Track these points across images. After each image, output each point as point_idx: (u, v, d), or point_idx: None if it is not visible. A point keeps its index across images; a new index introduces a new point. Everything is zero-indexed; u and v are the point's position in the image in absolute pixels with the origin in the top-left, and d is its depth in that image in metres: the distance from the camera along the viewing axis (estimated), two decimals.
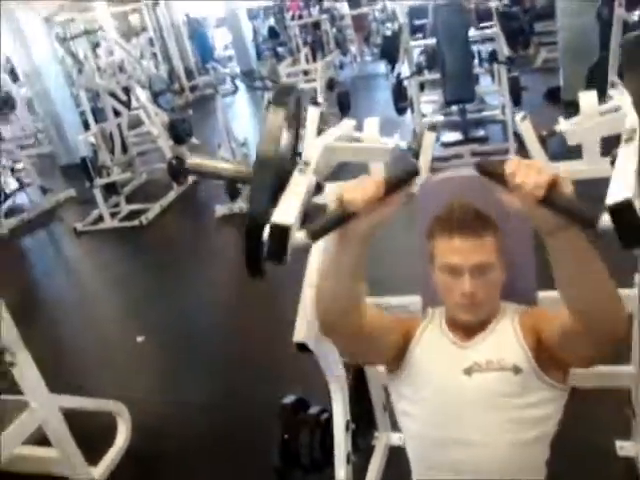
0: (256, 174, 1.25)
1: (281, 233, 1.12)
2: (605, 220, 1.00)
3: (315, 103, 1.86)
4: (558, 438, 1.38)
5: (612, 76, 5.31)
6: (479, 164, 1.03)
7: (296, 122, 1.43)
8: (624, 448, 2.14)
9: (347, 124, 1.79)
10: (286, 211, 1.18)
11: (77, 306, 4.45)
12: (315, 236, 1.05)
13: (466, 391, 1.32)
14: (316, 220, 1.05)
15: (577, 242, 1.04)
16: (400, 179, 1.06)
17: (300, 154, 1.50)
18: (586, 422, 1.80)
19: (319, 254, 1.58)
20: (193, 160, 1.40)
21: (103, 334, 3.90)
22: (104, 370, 3.41)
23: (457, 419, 1.32)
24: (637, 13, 4.64)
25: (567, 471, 1.43)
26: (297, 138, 1.43)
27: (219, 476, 2.48)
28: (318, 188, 1.36)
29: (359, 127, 1.88)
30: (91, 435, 2.61)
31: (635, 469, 2.06)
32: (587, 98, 1.70)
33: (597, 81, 5.39)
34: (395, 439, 2.36)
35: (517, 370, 1.31)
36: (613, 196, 1.03)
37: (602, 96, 1.80)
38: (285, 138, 1.34)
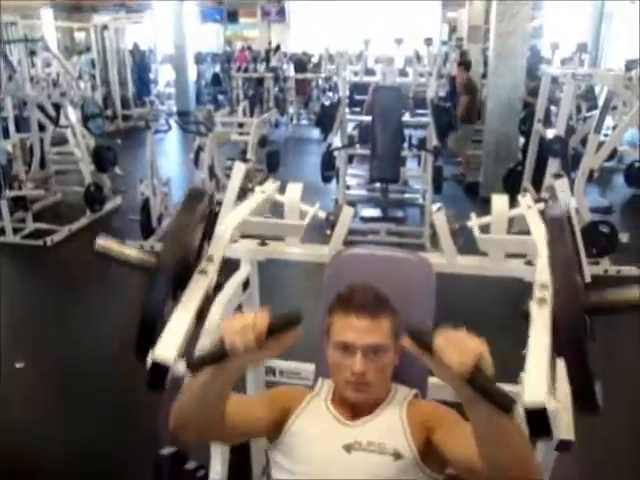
0: (155, 275, 1.30)
1: (160, 370, 1.18)
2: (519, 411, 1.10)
3: (244, 160, 1.89)
4: None
5: (526, 182, 5.71)
6: (409, 329, 1.08)
7: (207, 220, 1.49)
8: None
9: (271, 186, 1.82)
10: (167, 347, 1.21)
11: None
12: (194, 370, 1.09)
13: (344, 467, 1.32)
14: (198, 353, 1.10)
15: (492, 415, 1.04)
16: (283, 325, 1.08)
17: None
18: None
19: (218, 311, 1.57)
20: (103, 241, 1.42)
21: None
22: None
23: None
24: (552, 131, 5.03)
25: None
26: (206, 235, 1.48)
27: None
28: (218, 287, 1.42)
29: (283, 189, 1.92)
30: None
31: None
32: (499, 201, 1.83)
33: (512, 183, 5.79)
34: None
35: (397, 456, 1.32)
36: (529, 397, 1.12)
37: (515, 198, 1.94)
38: (192, 239, 1.39)
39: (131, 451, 2.61)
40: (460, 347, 1.00)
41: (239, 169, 1.80)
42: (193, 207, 1.37)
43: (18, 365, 3.42)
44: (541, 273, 1.44)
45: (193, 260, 1.41)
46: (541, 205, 1.92)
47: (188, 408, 1.22)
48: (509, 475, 1.12)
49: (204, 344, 1.39)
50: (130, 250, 1.38)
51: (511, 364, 1.44)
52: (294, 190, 1.82)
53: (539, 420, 1.09)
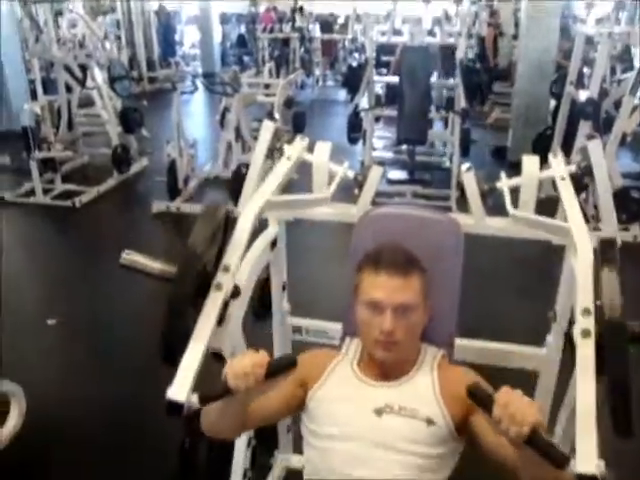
0: (175, 288, 1.40)
1: (175, 406, 1.33)
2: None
3: (271, 118, 1.88)
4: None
5: (556, 146, 5.59)
6: (470, 388, 1.14)
7: (223, 234, 1.55)
8: None
9: (299, 145, 1.81)
10: (181, 386, 1.34)
11: None
12: (205, 403, 1.29)
13: (374, 430, 1.33)
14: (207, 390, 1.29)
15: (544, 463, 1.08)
16: (280, 369, 1.25)
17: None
18: (472, 470, 1.85)
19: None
20: (128, 255, 1.53)
21: (13, 311, 3.73)
22: (7, 349, 3.25)
23: (361, 457, 1.32)
24: (584, 93, 4.90)
25: None
26: (223, 249, 1.53)
27: (112, 475, 2.40)
28: (235, 294, 1.49)
29: (311, 147, 1.91)
30: None
31: None
32: (530, 162, 1.79)
33: (542, 148, 5.68)
34: (294, 461, 2.35)
35: (430, 422, 1.33)
36: (582, 465, 1.14)
37: (544, 162, 1.90)
38: (209, 253, 1.47)
39: (160, 408, 2.66)
40: (518, 414, 1.05)
41: (267, 128, 1.79)
42: (209, 220, 1.44)
43: (50, 322, 3.51)
44: (583, 294, 1.38)
45: (212, 269, 1.48)
46: (573, 167, 1.89)
47: (210, 425, 1.39)
48: None
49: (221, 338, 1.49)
50: (153, 263, 1.48)
51: (532, 324, 1.43)
52: (323, 149, 1.81)
53: None
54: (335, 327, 1.85)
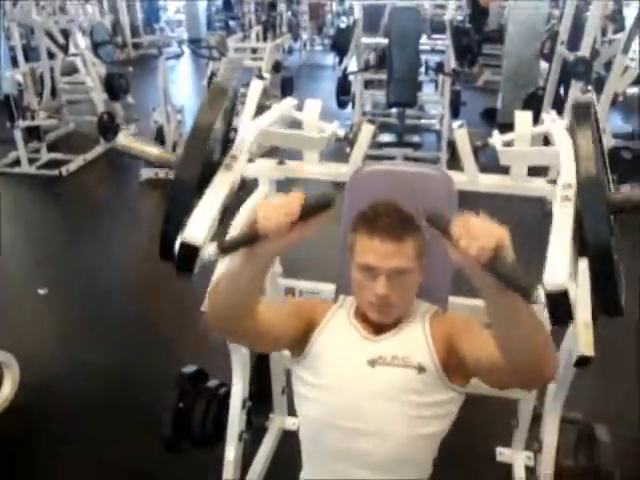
0: (181, 166, 1.27)
1: (190, 251, 1.16)
2: (540, 295, 1.07)
3: (260, 77, 1.84)
4: (443, 439, 1.41)
5: (546, 107, 5.55)
6: (429, 215, 1.02)
7: (230, 115, 1.45)
8: (503, 454, 2.25)
9: (288, 102, 1.77)
10: (197, 229, 1.19)
11: None
12: (225, 252, 1.06)
13: (368, 381, 1.33)
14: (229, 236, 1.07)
15: (512, 303, 1.00)
16: (316, 207, 1.05)
17: (233, 140, 1.50)
18: (470, 426, 1.87)
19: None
20: (124, 138, 1.39)
21: (4, 282, 3.71)
22: None
23: (355, 408, 1.32)
24: (574, 54, 4.85)
25: (446, 471, 1.47)
26: (229, 130, 1.43)
27: (105, 440, 2.41)
28: (242, 185, 1.40)
29: (300, 108, 1.88)
30: None
31: (510, 475, 2.18)
32: (522, 117, 1.77)
33: (533, 109, 5.63)
34: (289, 423, 2.38)
35: (421, 369, 1.33)
36: (550, 281, 1.08)
37: (535, 122, 1.87)
38: (216, 131, 1.35)
39: (154, 371, 2.68)
40: (480, 232, 0.94)
41: (256, 86, 1.75)
42: (217, 102, 1.32)
43: (41, 291, 3.49)
44: (565, 174, 1.38)
45: (218, 158, 1.38)
46: (565, 122, 1.86)
47: (219, 296, 1.20)
48: (529, 367, 1.11)
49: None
50: (151, 148, 1.36)
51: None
52: (313, 107, 1.77)
53: (560, 304, 1.06)
54: (328, 288, 1.84)
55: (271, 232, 1.03)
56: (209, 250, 1.16)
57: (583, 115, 1.33)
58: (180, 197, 1.25)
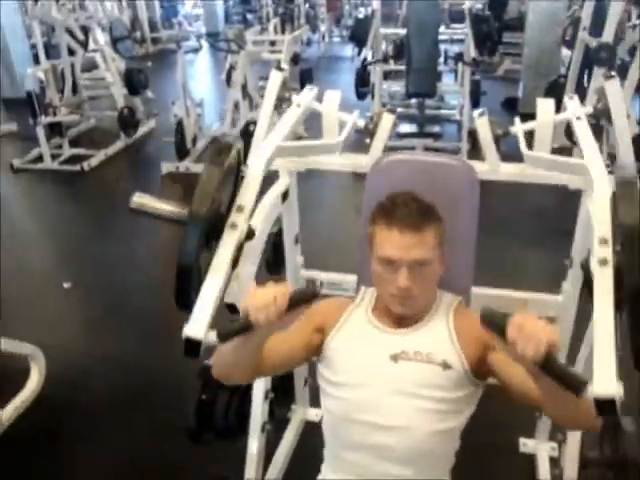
0: (188, 227, 1.36)
1: (193, 344, 1.31)
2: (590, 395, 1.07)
3: (279, 68, 1.84)
4: (465, 430, 1.41)
5: (569, 95, 5.46)
6: (483, 312, 1.07)
7: (236, 174, 1.51)
8: (526, 445, 2.24)
9: (308, 92, 1.76)
10: (198, 323, 1.31)
11: (4, 244, 4.27)
12: (224, 340, 1.21)
13: (390, 376, 1.32)
14: (226, 326, 1.20)
15: (561, 390, 1.04)
16: (302, 300, 1.17)
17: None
18: (493, 417, 1.86)
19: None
20: (138, 198, 1.47)
21: (29, 276, 3.76)
22: (25, 312, 3.29)
23: (377, 403, 1.32)
24: (597, 40, 4.76)
25: (470, 463, 1.46)
26: (236, 188, 1.50)
27: (131, 432, 2.44)
28: (250, 235, 1.46)
29: (319, 99, 1.87)
30: (2, 377, 2.54)
31: (534, 466, 2.16)
32: (545, 105, 1.75)
33: (554, 98, 5.55)
34: (312, 415, 2.38)
35: (446, 366, 1.32)
36: (600, 387, 1.08)
37: (558, 110, 1.85)
38: (222, 190, 1.42)
39: (177, 364, 2.69)
40: (533, 336, 1.00)
41: (276, 77, 1.75)
42: (221, 160, 1.38)
43: (66, 285, 3.53)
44: (600, 224, 1.34)
45: (225, 211, 1.43)
46: (589, 109, 1.84)
47: (225, 367, 1.33)
48: (570, 424, 1.23)
49: (235, 290, 1.46)
50: (164, 205, 1.42)
51: (549, 271, 1.41)
52: (332, 98, 1.76)
53: (608, 407, 1.09)
54: (349, 279, 1.84)
55: (262, 324, 1.14)
56: (210, 337, 1.29)
57: (627, 191, 1.30)
58: (190, 253, 1.37)
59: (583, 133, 1.66)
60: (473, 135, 4.90)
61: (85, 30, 6.04)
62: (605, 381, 1.09)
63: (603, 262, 1.27)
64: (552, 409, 1.18)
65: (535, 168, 1.73)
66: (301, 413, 2.39)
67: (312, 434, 2.23)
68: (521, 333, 1.01)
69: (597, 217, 1.36)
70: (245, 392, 1.92)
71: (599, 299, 1.24)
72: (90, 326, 3.26)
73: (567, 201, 1.96)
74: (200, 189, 1.34)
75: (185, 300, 1.39)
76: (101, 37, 6.10)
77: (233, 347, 1.25)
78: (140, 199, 1.27)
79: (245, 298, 1.17)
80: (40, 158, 5.55)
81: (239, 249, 1.42)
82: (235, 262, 1.42)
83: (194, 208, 1.33)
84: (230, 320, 1.24)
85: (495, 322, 1.06)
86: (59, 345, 2.96)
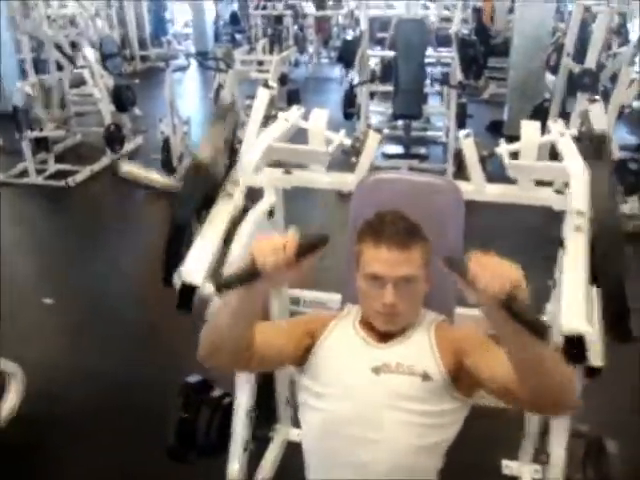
0: (186, 181, 1.29)
1: (188, 291, 1.22)
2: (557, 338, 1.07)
3: (267, 86, 1.85)
4: (447, 450, 1.40)
5: (553, 119, 5.55)
6: (446, 259, 1.05)
7: (232, 140, 1.47)
8: (509, 467, 2.22)
9: (295, 111, 1.77)
10: (195, 268, 1.23)
11: None
12: (221, 290, 1.09)
13: (372, 389, 1.32)
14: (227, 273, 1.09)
15: (527, 342, 1.02)
16: (311, 245, 1.09)
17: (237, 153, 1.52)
18: (475, 438, 1.85)
19: None
20: (128, 166, 1.44)
21: (9, 291, 3.70)
22: (4, 329, 3.22)
23: (358, 415, 1.32)
24: (580, 66, 4.86)
25: None
26: (232, 153, 1.46)
27: (111, 448, 2.40)
28: (245, 210, 1.41)
29: (306, 118, 1.88)
30: None
31: None
32: (529, 127, 1.77)
33: (539, 120, 5.62)
34: (294, 435, 2.35)
35: (426, 377, 1.32)
36: (567, 324, 1.09)
37: (542, 134, 1.87)
38: (219, 159, 1.41)
39: (159, 380, 2.67)
40: (495, 272, 0.97)
41: (263, 95, 1.76)
42: (221, 126, 1.35)
43: (47, 300, 3.49)
44: (577, 199, 1.38)
45: (220, 181, 1.39)
46: (573, 131, 1.86)
47: (215, 334, 1.21)
48: (549, 400, 1.12)
49: (230, 269, 1.39)
50: (153, 175, 1.39)
51: (536, 294, 1.42)
52: (319, 116, 1.77)
53: (576, 347, 1.07)
54: (333, 297, 1.83)
55: (269, 271, 1.05)
56: (207, 287, 1.19)
57: (598, 148, 1.33)
58: (179, 231, 1.31)
59: (567, 146, 1.68)
60: (459, 157, 4.95)
61: (74, 46, 6.04)
62: (573, 317, 1.09)
63: (578, 228, 1.31)
64: (529, 386, 1.11)
65: (520, 189, 1.75)
66: (284, 433, 2.36)
67: (294, 455, 2.20)
68: (483, 269, 0.98)
69: (574, 192, 1.40)
70: (227, 410, 1.90)
71: (571, 252, 1.25)
72: (72, 341, 3.22)
73: (551, 223, 1.98)
74: (206, 139, 1.30)
75: (173, 266, 1.31)
76: (91, 53, 6.10)
77: (228, 308, 1.16)
78: (128, 167, 1.26)
79: (251, 245, 1.08)
80: (25, 173, 5.51)
81: (234, 225, 1.37)
82: (226, 238, 1.36)
83: (189, 177, 1.29)
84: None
85: (457, 262, 1.03)
86: (39, 361, 2.91)
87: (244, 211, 1.40)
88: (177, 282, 1.23)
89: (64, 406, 2.66)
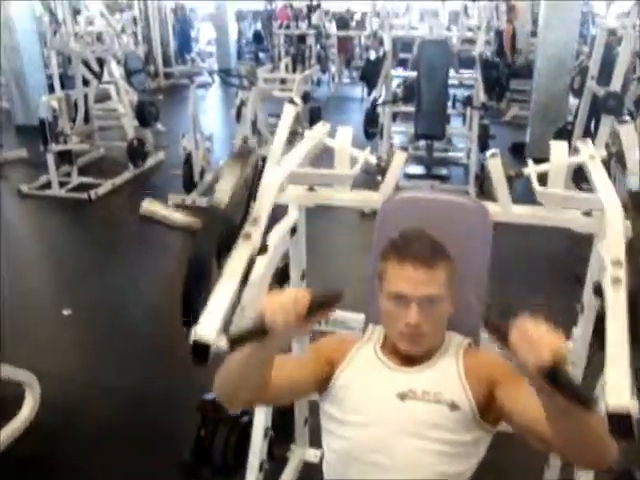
0: (200, 235, 1.34)
1: (203, 348, 1.22)
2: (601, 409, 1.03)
3: (293, 102, 1.84)
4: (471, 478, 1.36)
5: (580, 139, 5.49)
6: (487, 321, 1.02)
7: (252, 181, 1.49)
8: None
9: (321, 129, 1.77)
10: (209, 325, 1.23)
11: (6, 268, 4.25)
12: (236, 345, 1.08)
13: (397, 416, 1.29)
14: (238, 328, 1.11)
15: (569, 408, 0.96)
16: (323, 303, 1.06)
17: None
18: (498, 466, 1.80)
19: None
20: (149, 204, 1.45)
21: (29, 301, 3.73)
22: (22, 338, 3.25)
23: (382, 442, 1.28)
24: (604, 88, 4.82)
25: None
26: (251, 196, 1.46)
27: (124, 462, 2.38)
28: (263, 250, 1.40)
29: (331, 135, 1.87)
30: None
31: None
32: (558, 147, 1.74)
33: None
34: (311, 455, 2.32)
35: (454, 407, 1.28)
36: (613, 400, 1.04)
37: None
38: (239, 199, 1.41)
39: (175, 397, 2.65)
40: (537, 342, 0.93)
41: (289, 111, 1.75)
42: (240, 167, 1.35)
43: (66, 312, 3.50)
44: (614, 246, 1.32)
45: (239, 221, 1.39)
46: (602, 152, 1.83)
47: (229, 383, 1.22)
48: (586, 454, 1.08)
49: (241, 317, 1.39)
50: (174, 214, 1.39)
51: (559, 317, 1.38)
52: (345, 134, 1.76)
53: (622, 423, 1.03)
54: (356, 317, 1.80)
55: (278, 329, 1.04)
56: (220, 343, 1.20)
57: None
58: (196, 278, 1.32)
59: (597, 171, 1.65)
60: (480, 179, 4.93)
61: (100, 62, 6.14)
62: (619, 394, 1.04)
63: (616, 281, 1.24)
64: (560, 438, 1.07)
65: (547, 210, 1.71)
66: (300, 453, 2.33)
67: (310, 475, 2.17)
68: (525, 337, 0.94)
69: (610, 239, 1.35)
70: (244, 429, 1.87)
71: (612, 316, 1.20)
72: (88, 354, 3.21)
73: (578, 245, 1.94)
74: (215, 199, 1.31)
75: (191, 318, 1.32)
76: (116, 69, 6.20)
77: (241, 359, 1.15)
78: (150, 206, 1.26)
79: (260, 301, 1.07)
80: (48, 185, 5.58)
81: (250, 263, 1.37)
82: (245, 278, 1.36)
83: (208, 219, 1.29)
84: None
85: (497, 325, 0.99)
86: (56, 373, 2.91)
87: (263, 249, 1.39)
88: (191, 338, 1.25)
89: (78, 418, 2.66)
